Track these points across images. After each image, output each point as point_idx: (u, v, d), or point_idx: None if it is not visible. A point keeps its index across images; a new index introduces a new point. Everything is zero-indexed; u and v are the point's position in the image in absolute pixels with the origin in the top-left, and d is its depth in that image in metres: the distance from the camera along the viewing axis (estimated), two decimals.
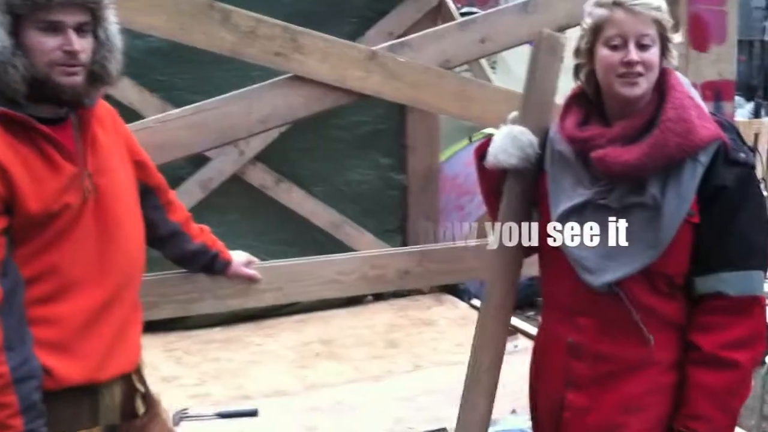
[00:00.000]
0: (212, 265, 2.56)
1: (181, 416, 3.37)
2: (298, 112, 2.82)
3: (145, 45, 4.50)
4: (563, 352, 2.10)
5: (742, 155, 1.94)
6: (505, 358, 3.78)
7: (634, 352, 2.00)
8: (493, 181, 2.23)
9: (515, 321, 4.25)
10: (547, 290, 2.20)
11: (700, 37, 3.08)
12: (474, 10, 9.48)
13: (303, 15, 4.74)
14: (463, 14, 7.86)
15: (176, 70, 4.61)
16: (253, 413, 3.42)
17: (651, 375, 2.00)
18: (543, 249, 2.15)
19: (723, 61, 3.09)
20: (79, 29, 1.92)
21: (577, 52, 2.03)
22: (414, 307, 4.90)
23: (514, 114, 2.21)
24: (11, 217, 1.87)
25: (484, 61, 4.81)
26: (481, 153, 2.21)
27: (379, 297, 5.06)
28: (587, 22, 1.98)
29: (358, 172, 5.04)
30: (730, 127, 2.01)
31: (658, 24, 1.93)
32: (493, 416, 3.21)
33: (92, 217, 1.99)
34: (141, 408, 2.14)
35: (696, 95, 2.02)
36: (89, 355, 1.98)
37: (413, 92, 2.86)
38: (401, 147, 5.11)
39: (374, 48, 2.87)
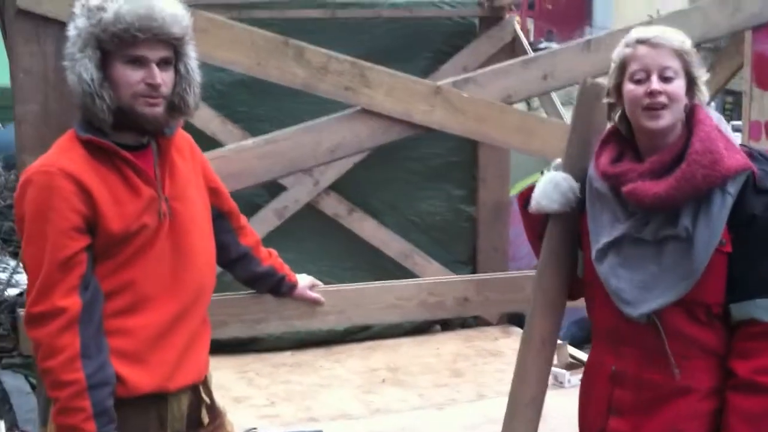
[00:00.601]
0: (279, 287, 2.67)
1: None
2: (364, 144, 2.94)
3: (229, 78, 4.71)
4: (606, 379, 2.16)
5: None
6: (568, 390, 3.80)
7: (675, 380, 2.04)
8: (537, 225, 2.31)
9: (580, 354, 4.27)
10: (593, 319, 2.26)
11: (764, 75, 3.09)
12: (553, 45, 9.54)
13: (381, 51, 4.93)
14: (541, 49, 7.96)
15: (257, 102, 4.80)
16: None
17: (690, 402, 2.03)
18: (587, 282, 2.22)
19: None
20: (162, 63, 2.06)
21: (608, 93, 2.11)
22: (481, 338, 4.95)
23: (557, 161, 2.30)
24: (94, 236, 2.02)
25: (555, 96, 4.85)
26: (525, 199, 2.30)
27: (446, 327, 5.13)
28: (615, 60, 2.07)
29: (430, 203, 5.13)
30: (761, 158, 2.04)
31: (681, 58, 1.99)
32: None
33: (167, 238, 2.12)
34: (206, 418, 2.24)
35: (725, 128, 2.06)
36: (160, 365, 2.10)
37: (476, 126, 2.95)
38: (472, 179, 5.19)
39: (439, 83, 2.98)
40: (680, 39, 2.02)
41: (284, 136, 2.85)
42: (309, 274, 2.85)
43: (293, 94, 3.59)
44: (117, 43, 2.00)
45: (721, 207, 1.94)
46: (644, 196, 1.97)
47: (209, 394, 2.29)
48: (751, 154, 2.03)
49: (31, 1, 2.52)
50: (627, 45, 2.04)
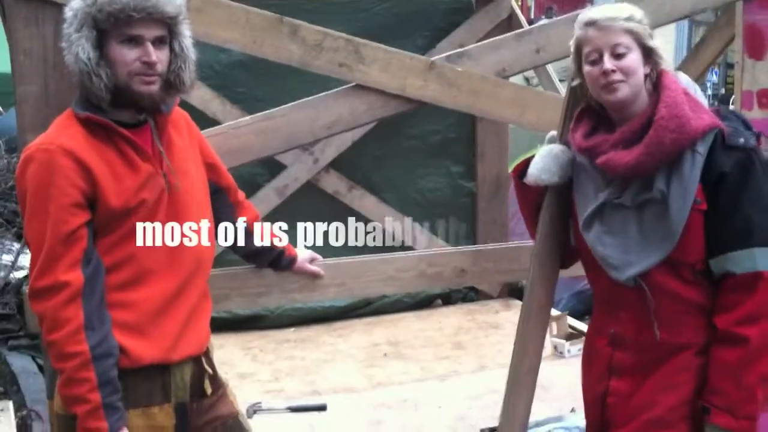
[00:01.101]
0: (279, 261, 2.73)
1: (255, 409, 3.55)
2: (360, 119, 2.97)
3: (228, 58, 4.74)
4: (606, 343, 2.23)
5: (741, 140, 2.02)
6: (568, 360, 3.85)
7: (671, 338, 2.10)
8: (535, 196, 2.36)
9: (580, 325, 4.32)
10: (591, 286, 2.32)
11: (755, 46, 3.11)
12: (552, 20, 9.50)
13: (378, 29, 4.95)
14: None
15: (257, 82, 4.82)
16: (322, 408, 3.59)
17: (686, 356, 2.10)
18: (580, 251, 2.29)
19: None
20: (157, 42, 2.10)
21: (574, 73, 2.20)
22: (482, 311, 5.00)
23: (552, 133, 2.36)
24: (94, 212, 2.07)
25: (551, 69, 4.87)
26: (519, 172, 2.36)
27: (447, 301, 5.19)
28: (571, 45, 2.16)
29: (430, 179, 5.17)
30: (731, 116, 2.11)
31: (631, 32, 2.06)
32: (556, 414, 3.31)
33: (166, 212, 2.18)
34: (209, 388, 2.30)
35: (694, 91, 2.12)
36: (162, 337, 2.15)
37: (470, 100, 2.98)
38: (471, 155, 5.22)
39: (433, 58, 3.01)
40: (626, 15, 2.07)
41: (281, 112, 2.88)
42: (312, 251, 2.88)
43: (292, 74, 3.62)
44: (113, 23, 2.04)
45: (692, 167, 2.00)
46: (616, 166, 2.04)
47: (211, 365, 2.34)
48: (720, 112, 2.09)
49: None
50: (579, 28, 2.12)
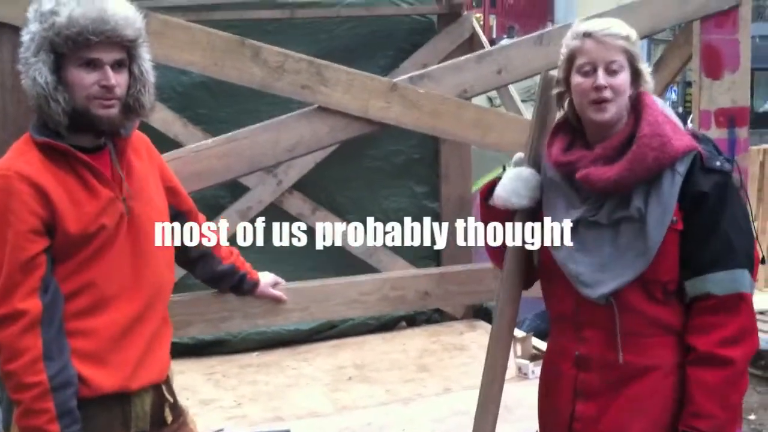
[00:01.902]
0: (241, 286, 2.69)
1: None
2: (323, 141, 2.94)
3: (189, 80, 4.72)
4: (571, 365, 2.20)
5: (718, 163, 2.05)
6: (532, 381, 3.84)
7: (638, 359, 2.09)
8: (500, 217, 2.32)
9: (544, 346, 4.33)
10: (552, 307, 2.30)
11: (713, 66, 3.15)
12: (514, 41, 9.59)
13: (341, 50, 4.97)
14: None
15: (219, 104, 4.82)
16: None
17: (654, 378, 2.09)
18: (544, 268, 2.26)
19: (736, 89, 3.14)
20: (115, 65, 2.08)
21: (557, 82, 2.18)
22: (446, 333, 5.01)
23: (518, 156, 2.33)
24: (53, 238, 2.03)
25: (513, 90, 4.91)
26: (485, 193, 2.34)
27: (412, 323, 5.18)
28: (563, 52, 2.14)
29: (393, 200, 5.18)
30: (705, 139, 2.13)
31: (626, 52, 2.07)
32: None
33: (126, 238, 2.14)
34: (169, 417, 2.26)
35: (670, 113, 2.13)
36: (122, 365, 2.11)
37: (433, 121, 2.97)
38: (435, 176, 5.24)
39: (395, 80, 3.00)
40: (625, 33, 2.08)
41: (242, 135, 2.85)
42: (276, 273, 2.85)
43: (255, 96, 3.60)
44: (71, 47, 2.01)
45: (671, 186, 2.02)
46: (597, 181, 2.04)
47: (171, 393, 2.30)
48: (696, 136, 2.12)
49: None
50: (575, 37, 2.10)
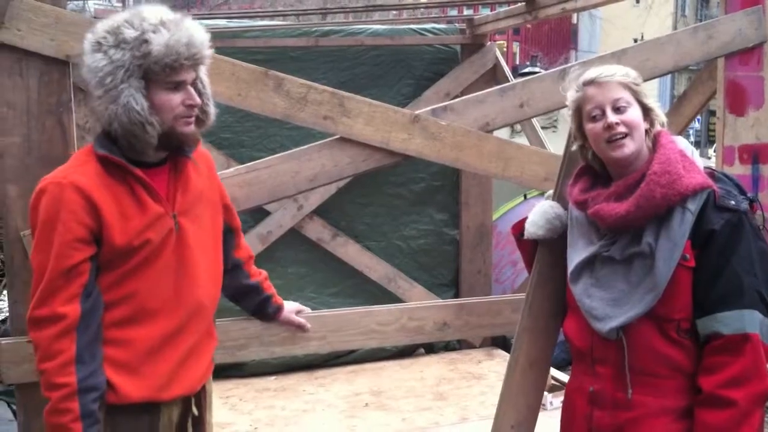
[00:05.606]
0: (265, 307, 2.70)
1: None
2: (344, 172, 2.97)
3: (215, 104, 4.74)
4: (586, 401, 2.20)
5: (732, 202, 2.04)
6: (550, 412, 3.81)
7: (649, 399, 2.08)
8: (529, 251, 2.41)
9: (564, 377, 4.30)
10: (572, 342, 2.30)
11: (737, 102, 3.14)
12: (536, 69, 9.63)
13: (363, 77, 5.01)
14: (525, 74, 8.06)
15: (242, 129, 4.85)
16: None
17: (665, 422, 2.07)
18: (568, 304, 2.28)
19: (760, 125, 3.13)
20: (191, 84, 2.16)
21: (574, 137, 2.22)
22: (464, 361, 4.99)
23: (549, 192, 2.41)
24: (99, 247, 2.09)
25: (536, 122, 4.92)
26: (519, 229, 2.40)
27: (430, 350, 5.17)
28: (570, 107, 2.17)
29: (413, 227, 5.20)
30: (724, 179, 2.12)
31: (629, 88, 2.09)
32: None
33: (173, 253, 2.18)
34: (190, 430, 2.28)
35: (690, 153, 2.14)
36: (153, 376, 2.15)
37: (454, 153, 2.99)
38: (455, 203, 5.26)
39: (417, 112, 3.02)
40: (623, 72, 2.11)
41: (264, 164, 2.88)
42: (294, 299, 2.89)
43: (278, 121, 3.63)
44: (167, 72, 2.08)
45: (681, 223, 2.01)
46: (607, 216, 2.06)
47: (199, 406, 2.32)
48: (714, 175, 2.11)
49: (13, 36, 2.56)
50: (577, 90, 2.14)
